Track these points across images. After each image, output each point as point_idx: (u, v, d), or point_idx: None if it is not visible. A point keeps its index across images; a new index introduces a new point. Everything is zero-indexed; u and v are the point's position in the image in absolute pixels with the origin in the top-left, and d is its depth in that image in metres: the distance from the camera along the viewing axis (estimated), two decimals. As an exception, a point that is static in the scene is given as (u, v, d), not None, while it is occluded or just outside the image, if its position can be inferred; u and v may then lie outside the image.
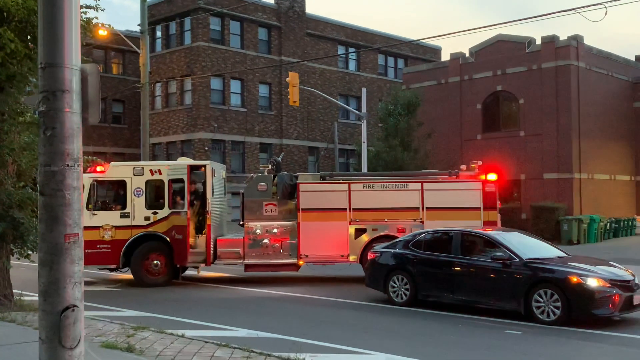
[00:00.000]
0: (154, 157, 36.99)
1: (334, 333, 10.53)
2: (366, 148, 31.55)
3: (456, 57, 37.37)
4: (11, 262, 12.34)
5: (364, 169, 30.74)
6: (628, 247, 28.49)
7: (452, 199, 16.52)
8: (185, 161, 18.50)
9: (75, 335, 3.89)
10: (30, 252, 12.16)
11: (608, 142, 36.03)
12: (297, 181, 17.23)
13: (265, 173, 17.53)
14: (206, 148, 36.98)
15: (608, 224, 33.23)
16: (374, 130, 39.65)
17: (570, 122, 33.25)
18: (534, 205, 32.28)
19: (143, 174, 16.61)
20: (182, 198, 16.60)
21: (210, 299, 14.55)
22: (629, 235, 35.10)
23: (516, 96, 34.94)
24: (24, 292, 12.91)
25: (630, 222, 35.63)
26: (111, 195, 16.99)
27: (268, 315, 12.39)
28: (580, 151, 33.60)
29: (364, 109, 32.52)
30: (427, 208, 16.56)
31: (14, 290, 12.30)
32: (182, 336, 9.57)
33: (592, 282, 10.99)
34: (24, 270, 16.65)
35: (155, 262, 16.43)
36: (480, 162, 17.59)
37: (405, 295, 13.15)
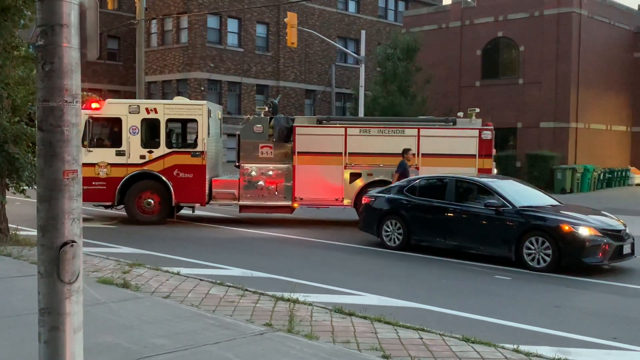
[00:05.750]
0: (149, 96, 36.72)
1: (327, 274, 10.68)
2: (363, 92, 31.34)
3: (458, 1, 36.77)
4: (6, 196, 12.38)
5: (361, 113, 30.61)
6: (620, 197, 28.73)
7: (448, 146, 16.53)
8: (181, 100, 18.36)
9: (73, 270, 3.92)
10: (25, 187, 12.19)
11: (606, 92, 35.87)
12: (294, 124, 17.17)
13: (262, 115, 17.46)
14: (202, 88, 36.68)
15: (602, 174, 33.41)
16: (372, 74, 39.33)
17: (570, 70, 33.02)
18: (529, 154, 32.35)
19: (139, 112, 16.50)
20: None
21: (205, 238, 14.68)
22: (622, 185, 35.35)
23: (517, 43, 34.58)
24: (19, 227, 12.99)
25: (623, 173, 35.84)
26: (107, 132, 16.91)
27: (262, 256, 12.53)
28: (578, 100, 33.48)
29: (362, 52, 32.17)
30: (422, 154, 16.58)
31: (9, 225, 12.38)
32: (178, 274, 9.69)
33: (584, 231, 11.09)
34: (19, 205, 16.72)
35: (148, 200, 16.49)
36: (477, 110, 17.58)
37: (398, 239, 13.28)
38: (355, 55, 34.38)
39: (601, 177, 33.38)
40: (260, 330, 6.68)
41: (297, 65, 41.69)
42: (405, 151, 15.97)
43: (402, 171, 15.49)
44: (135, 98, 27.94)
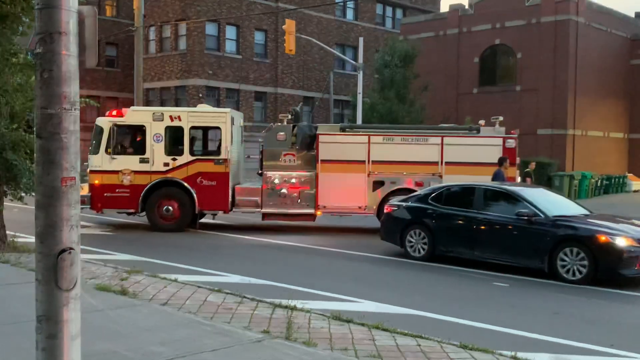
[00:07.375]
0: (147, 103, 36.72)
1: (329, 282, 10.60)
2: (361, 99, 31.38)
3: (455, 9, 36.94)
4: (4, 203, 12.36)
5: (359, 120, 30.65)
6: (618, 203, 28.71)
7: (471, 154, 16.36)
8: (205, 108, 18.35)
9: (71, 278, 3.92)
10: (23, 194, 12.17)
11: (603, 99, 35.96)
12: (317, 132, 17.14)
13: (285, 123, 17.44)
14: (200, 95, 36.70)
15: (599, 181, 33.44)
16: (369, 81, 39.38)
17: (567, 78, 33.11)
18: (526, 161, 32.32)
19: (162, 120, 16.47)
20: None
21: (209, 246, 14.62)
22: (620, 192, 35.39)
23: (514, 50, 34.69)
24: (17, 234, 12.95)
25: (621, 180, 35.88)
26: (130, 140, 16.89)
27: (266, 264, 12.48)
28: (575, 107, 33.57)
29: (360, 59, 32.24)
30: (446, 163, 16.47)
31: (7, 232, 12.35)
32: (175, 281, 9.67)
33: (621, 241, 10.61)
34: (17, 212, 16.68)
35: (169, 207, 16.41)
36: (501, 118, 17.49)
37: (423, 249, 12.82)
38: (353, 62, 34.45)
39: (599, 184, 33.41)
40: (258, 338, 6.67)
41: (295, 72, 41.74)
42: (503, 160, 15.52)
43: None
44: (133, 105, 27.94)
